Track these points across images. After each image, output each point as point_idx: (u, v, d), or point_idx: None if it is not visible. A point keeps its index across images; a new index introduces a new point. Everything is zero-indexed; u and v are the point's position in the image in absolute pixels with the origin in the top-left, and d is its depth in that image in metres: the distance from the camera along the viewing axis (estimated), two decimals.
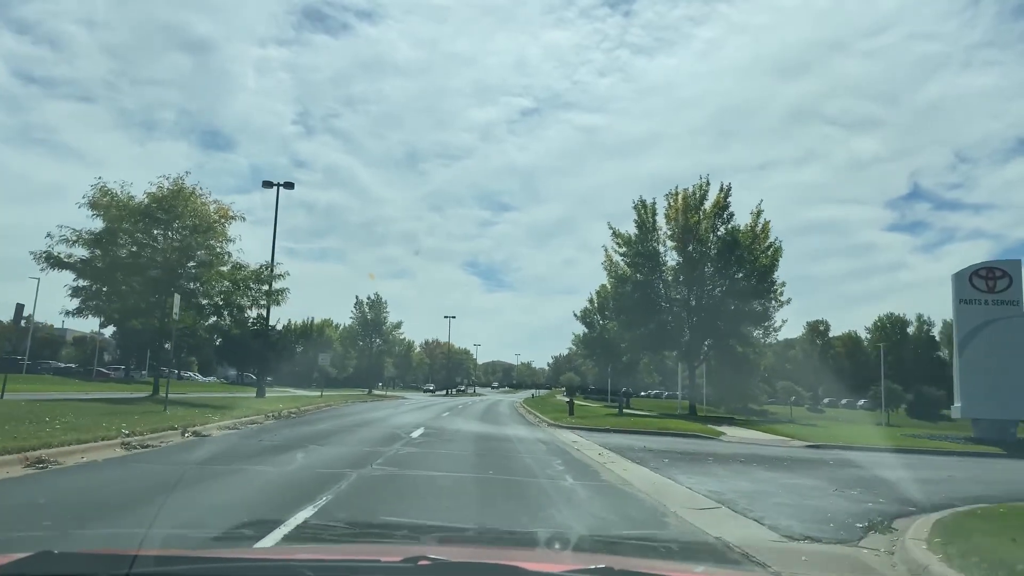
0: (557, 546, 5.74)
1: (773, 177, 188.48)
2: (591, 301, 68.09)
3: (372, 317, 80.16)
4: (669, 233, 41.87)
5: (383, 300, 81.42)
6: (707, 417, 38.76)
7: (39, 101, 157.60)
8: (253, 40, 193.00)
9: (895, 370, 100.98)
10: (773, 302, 40.65)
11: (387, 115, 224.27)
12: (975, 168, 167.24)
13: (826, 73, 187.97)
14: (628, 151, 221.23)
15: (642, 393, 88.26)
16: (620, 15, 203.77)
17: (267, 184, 42.86)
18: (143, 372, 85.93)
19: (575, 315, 69.48)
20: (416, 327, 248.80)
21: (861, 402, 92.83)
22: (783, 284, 40.70)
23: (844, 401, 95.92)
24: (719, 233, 41.13)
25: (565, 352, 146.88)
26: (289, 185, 43.15)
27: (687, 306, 41.41)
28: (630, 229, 42.64)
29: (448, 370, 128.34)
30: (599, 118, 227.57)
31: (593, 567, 2.08)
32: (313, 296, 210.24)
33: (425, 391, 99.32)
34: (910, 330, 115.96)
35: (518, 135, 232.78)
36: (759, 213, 40.37)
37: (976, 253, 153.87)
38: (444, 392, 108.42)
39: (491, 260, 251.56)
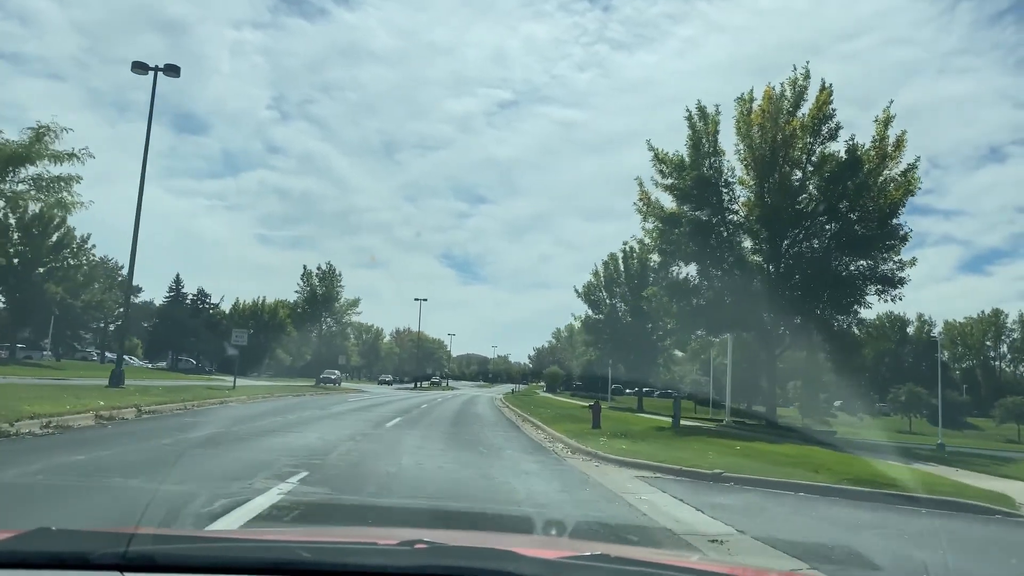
0: (554, 532, 5.44)
1: None
2: (596, 275, 54.24)
3: (323, 292, 65.15)
4: (741, 155, 28.07)
5: (337, 272, 66.41)
6: (787, 430, 25.07)
7: (8, 77, 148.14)
8: (228, 22, 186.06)
9: (895, 372, 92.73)
10: (895, 259, 26.88)
11: (364, 103, 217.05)
12: (946, 174, 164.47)
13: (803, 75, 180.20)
14: (606, 147, 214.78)
15: (627, 391, 73.26)
16: (599, 10, 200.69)
17: (138, 67, 28.28)
18: (44, 352, 71.08)
19: (576, 292, 54.85)
20: (390, 319, 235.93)
21: (877, 407, 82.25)
22: (909, 233, 27.06)
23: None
24: (815, 158, 27.39)
25: (546, 344, 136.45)
26: (171, 69, 28.62)
27: (769, 263, 27.52)
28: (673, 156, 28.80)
29: (419, 360, 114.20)
30: (577, 113, 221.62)
31: (589, 553, 1.97)
32: (286, 284, 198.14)
33: (323, 381, 64.11)
34: (910, 330, 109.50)
35: (496, 128, 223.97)
36: (887, 120, 26.24)
37: (945, 259, 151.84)
38: (413, 385, 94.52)
39: (466, 253, 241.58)
